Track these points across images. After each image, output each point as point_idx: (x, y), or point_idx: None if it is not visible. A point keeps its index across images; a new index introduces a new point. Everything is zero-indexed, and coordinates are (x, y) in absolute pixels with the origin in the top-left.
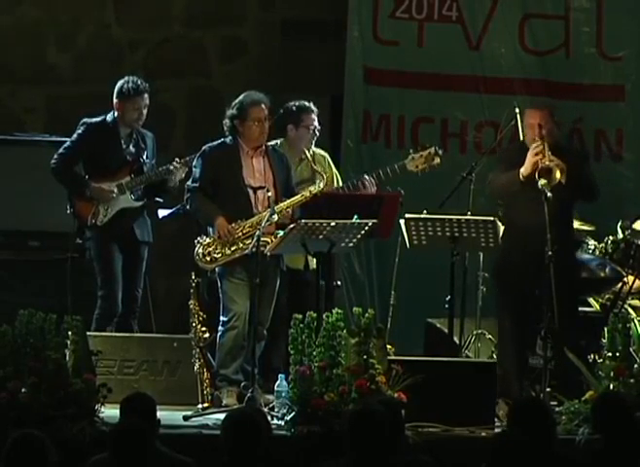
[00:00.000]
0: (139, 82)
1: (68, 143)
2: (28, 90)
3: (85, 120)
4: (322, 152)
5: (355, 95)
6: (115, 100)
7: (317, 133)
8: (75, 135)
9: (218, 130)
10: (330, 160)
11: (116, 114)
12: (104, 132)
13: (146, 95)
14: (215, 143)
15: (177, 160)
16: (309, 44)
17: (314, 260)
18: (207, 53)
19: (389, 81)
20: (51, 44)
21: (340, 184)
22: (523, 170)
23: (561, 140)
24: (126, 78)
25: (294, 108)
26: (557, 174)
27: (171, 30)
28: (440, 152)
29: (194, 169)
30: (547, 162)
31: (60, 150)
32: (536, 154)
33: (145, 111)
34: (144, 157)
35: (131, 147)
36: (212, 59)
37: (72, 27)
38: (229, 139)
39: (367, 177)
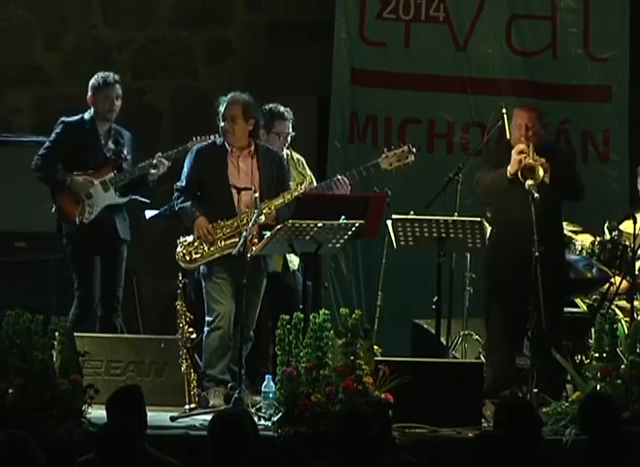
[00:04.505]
0: (108, 74)
1: (47, 143)
2: (15, 91)
3: (62, 119)
4: (297, 155)
5: (342, 96)
6: (88, 96)
7: (289, 140)
8: (53, 135)
9: (204, 131)
10: (304, 162)
11: (91, 110)
12: (82, 130)
13: (117, 86)
14: (205, 143)
15: (160, 154)
16: (296, 45)
17: (294, 261)
18: (194, 54)
19: (376, 81)
20: (38, 44)
21: (315, 185)
22: (510, 168)
23: (548, 140)
24: (97, 73)
25: (268, 113)
26: (540, 172)
27: (158, 31)
28: (413, 150)
29: (183, 169)
30: (529, 161)
31: (40, 151)
32: (520, 152)
33: (117, 103)
34: (124, 153)
35: (110, 143)
36: (198, 60)
37: (59, 28)
38: (219, 140)
39: (340, 177)
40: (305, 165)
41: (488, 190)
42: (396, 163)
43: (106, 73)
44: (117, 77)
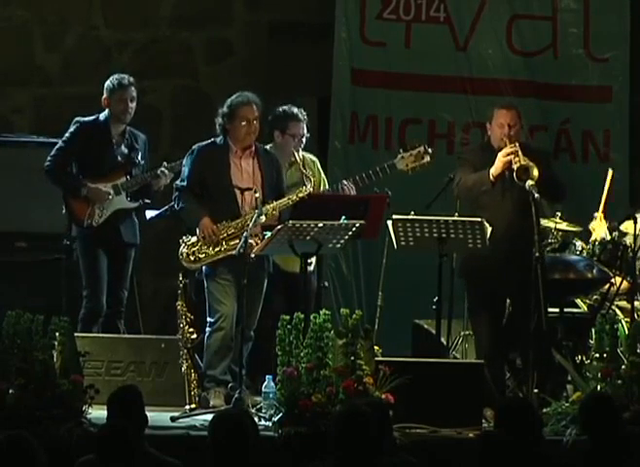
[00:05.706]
0: (123, 76)
1: (60, 143)
2: (16, 91)
3: (77, 119)
4: (312, 157)
5: (342, 97)
6: (103, 98)
7: (304, 141)
8: (67, 134)
9: (204, 131)
10: (319, 165)
11: (106, 112)
12: (95, 131)
13: (132, 88)
14: (205, 143)
15: (165, 164)
16: (296, 45)
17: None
18: (194, 55)
19: (376, 82)
20: (38, 44)
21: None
22: (493, 170)
23: (525, 140)
24: (112, 75)
25: (282, 114)
26: (535, 172)
27: (158, 31)
28: (429, 150)
29: (183, 168)
30: (522, 162)
31: (53, 151)
32: (508, 154)
33: (132, 104)
34: (138, 157)
35: (123, 147)
36: (199, 60)
37: (60, 28)
38: (219, 139)
39: (345, 182)
40: (320, 168)
41: (470, 192)
42: (412, 164)
43: (121, 75)
44: (131, 79)
